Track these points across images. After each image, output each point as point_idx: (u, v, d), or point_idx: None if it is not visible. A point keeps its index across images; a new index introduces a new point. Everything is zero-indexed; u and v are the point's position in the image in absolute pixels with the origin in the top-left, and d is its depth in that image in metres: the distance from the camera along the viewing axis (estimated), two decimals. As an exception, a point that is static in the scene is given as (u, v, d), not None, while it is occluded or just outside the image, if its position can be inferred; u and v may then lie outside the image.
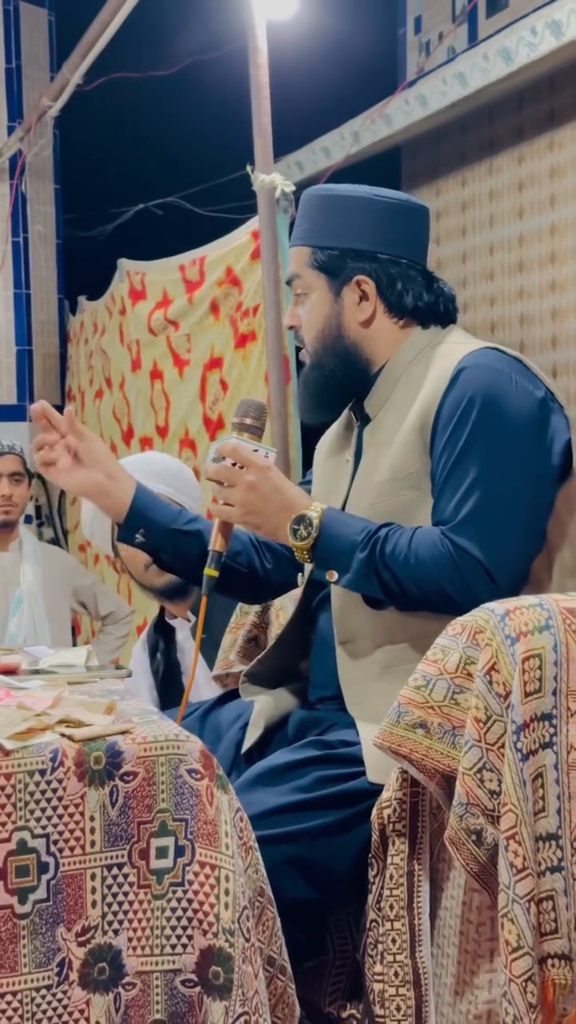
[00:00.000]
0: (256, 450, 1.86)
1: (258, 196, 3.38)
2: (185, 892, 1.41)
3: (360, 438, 1.96)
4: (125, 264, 4.92)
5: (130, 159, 6.39)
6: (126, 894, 1.41)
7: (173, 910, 1.42)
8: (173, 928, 1.41)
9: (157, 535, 2.01)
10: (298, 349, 2.03)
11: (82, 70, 4.60)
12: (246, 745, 1.99)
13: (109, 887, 1.41)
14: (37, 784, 1.37)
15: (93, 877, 1.40)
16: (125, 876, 1.41)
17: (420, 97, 4.69)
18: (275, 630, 2.34)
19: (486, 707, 1.48)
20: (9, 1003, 1.36)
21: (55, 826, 1.38)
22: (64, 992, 1.38)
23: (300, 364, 2.02)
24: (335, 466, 2.02)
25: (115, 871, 1.41)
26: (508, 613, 1.50)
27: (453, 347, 1.88)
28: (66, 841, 1.38)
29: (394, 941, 1.62)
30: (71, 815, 1.38)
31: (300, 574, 2.07)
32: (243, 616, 2.45)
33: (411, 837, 1.62)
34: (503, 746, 1.47)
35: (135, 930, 1.42)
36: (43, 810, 1.37)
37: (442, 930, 1.64)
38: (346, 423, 2.04)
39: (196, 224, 5.73)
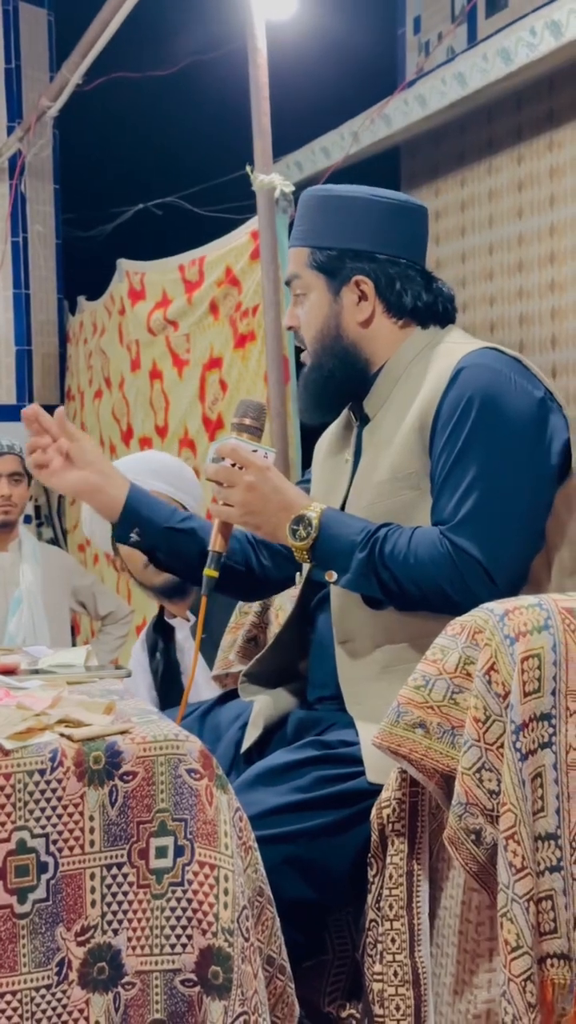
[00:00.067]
0: (255, 450, 1.86)
1: (257, 196, 3.38)
2: (184, 892, 1.41)
3: (359, 438, 1.96)
4: (124, 264, 4.93)
5: (129, 159, 6.39)
6: (125, 894, 1.41)
7: (172, 910, 1.42)
8: (172, 928, 1.41)
9: (152, 534, 2.01)
10: (298, 350, 2.03)
11: (81, 70, 4.60)
12: (245, 745, 1.99)
13: (108, 887, 1.41)
14: (36, 784, 1.37)
15: (92, 877, 1.40)
16: (124, 876, 1.41)
17: (419, 97, 4.69)
18: (274, 630, 2.34)
19: (485, 707, 1.48)
20: (8, 1003, 1.36)
21: (54, 826, 1.38)
22: (63, 992, 1.38)
23: (300, 364, 2.02)
24: (334, 466, 2.02)
25: (114, 871, 1.41)
26: (507, 613, 1.50)
27: (452, 347, 1.88)
28: (65, 841, 1.38)
29: (393, 941, 1.62)
30: (70, 815, 1.39)
31: (298, 573, 2.07)
32: (242, 616, 2.45)
33: (410, 837, 1.62)
34: (502, 746, 1.47)
35: (134, 930, 1.42)
36: (42, 810, 1.37)
37: (441, 930, 1.64)
38: (345, 423, 2.04)
39: (195, 224, 5.73)
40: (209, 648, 2.57)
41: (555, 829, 1.47)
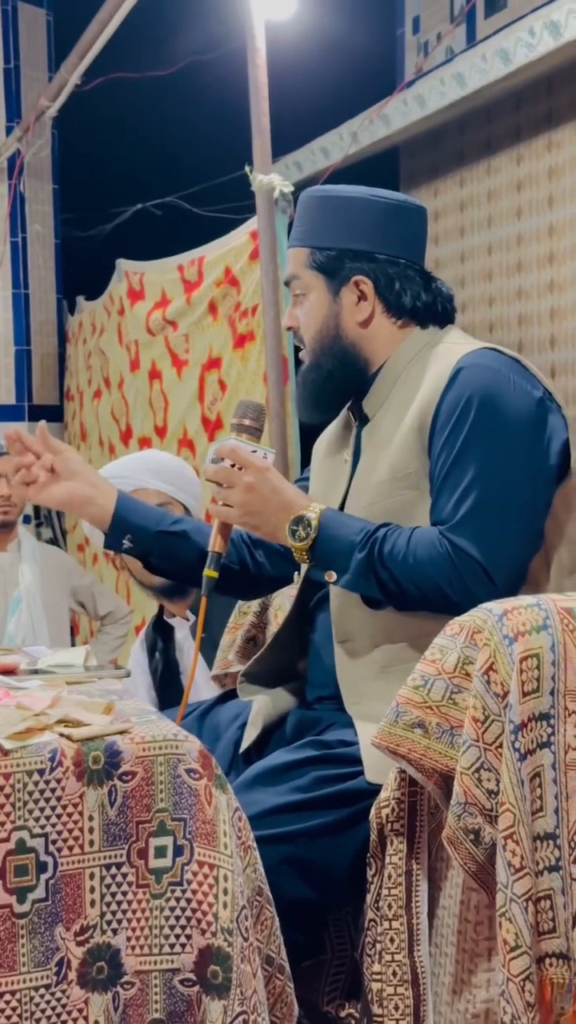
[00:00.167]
0: (255, 451, 1.86)
1: (257, 196, 3.38)
2: (184, 891, 1.41)
3: (358, 438, 1.96)
4: (123, 264, 4.93)
5: (129, 159, 6.39)
6: (125, 893, 1.42)
7: (172, 909, 1.42)
8: (172, 927, 1.42)
9: (144, 539, 2.01)
10: (298, 349, 2.03)
11: (80, 70, 4.60)
12: (244, 745, 1.99)
13: (108, 886, 1.41)
14: (36, 784, 1.37)
15: (92, 876, 1.40)
16: (124, 875, 1.41)
17: (418, 97, 4.69)
18: (273, 629, 2.34)
19: (484, 707, 1.48)
20: (8, 1002, 1.36)
21: (54, 826, 1.38)
22: (63, 991, 1.38)
23: (300, 364, 2.02)
24: (333, 466, 2.02)
25: (114, 870, 1.41)
26: (506, 613, 1.50)
27: (451, 347, 1.88)
28: (65, 841, 1.39)
29: (392, 940, 1.62)
30: (70, 815, 1.39)
31: (296, 572, 2.07)
32: (241, 616, 2.45)
33: (409, 837, 1.62)
34: (501, 746, 1.47)
35: (134, 929, 1.42)
36: (42, 810, 1.37)
37: (440, 929, 1.64)
38: (344, 423, 2.04)
39: (195, 224, 5.73)
40: (208, 648, 2.57)
41: (554, 829, 1.47)
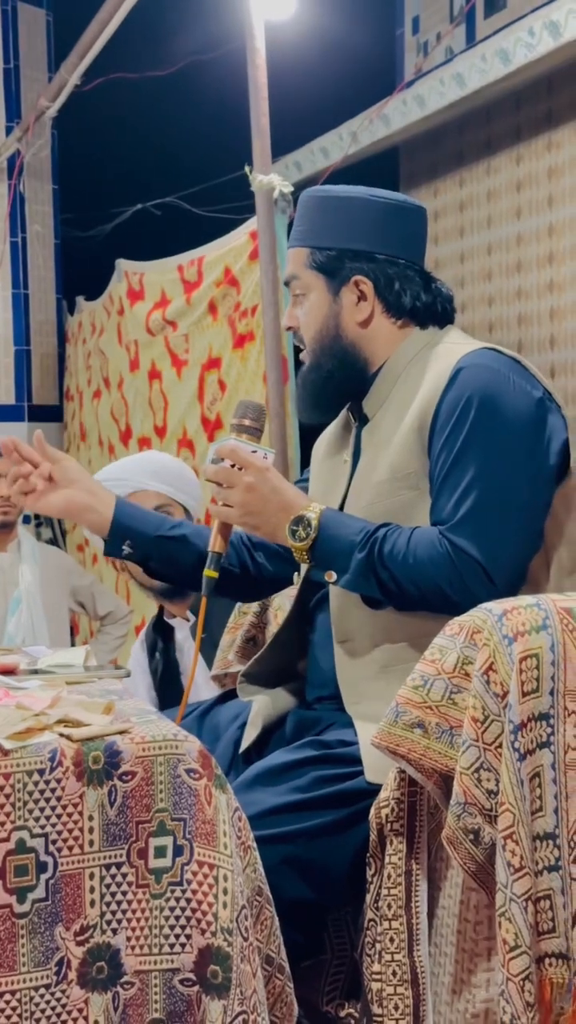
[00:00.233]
0: (255, 451, 1.86)
1: (256, 196, 3.38)
2: (184, 891, 1.42)
3: (358, 438, 1.96)
4: (123, 264, 4.93)
5: (128, 159, 6.39)
6: (124, 893, 1.42)
7: (172, 909, 1.42)
8: (172, 927, 1.42)
9: (144, 544, 2.02)
10: (297, 349, 2.03)
11: (80, 70, 4.60)
12: (244, 745, 1.99)
13: (108, 886, 1.41)
14: (36, 784, 1.37)
15: (92, 876, 1.40)
16: (124, 875, 1.41)
17: (418, 98, 4.69)
18: (273, 629, 2.34)
19: (483, 707, 1.48)
20: (8, 1002, 1.36)
21: (54, 826, 1.38)
22: (63, 991, 1.38)
23: (300, 364, 2.02)
24: (333, 466, 2.02)
25: (113, 870, 1.41)
26: (505, 613, 1.50)
27: (451, 347, 1.88)
28: (64, 841, 1.39)
29: (392, 940, 1.62)
30: (69, 815, 1.39)
31: (296, 573, 2.07)
32: (241, 616, 2.45)
33: (409, 836, 1.63)
34: (500, 746, 1.47)
35: (134, 929, 1.42)
36: (42, 810, 1.38)
37: (440, 929, 1.64)
38: (344, 423, 2.04)
39: (194, 224, 5.74)
40: (208, 648, 2.57)
41: (553, 829, 1.47)
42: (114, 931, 1.41)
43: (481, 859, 1.49)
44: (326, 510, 1.81)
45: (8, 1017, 1.36)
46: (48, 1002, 1.38)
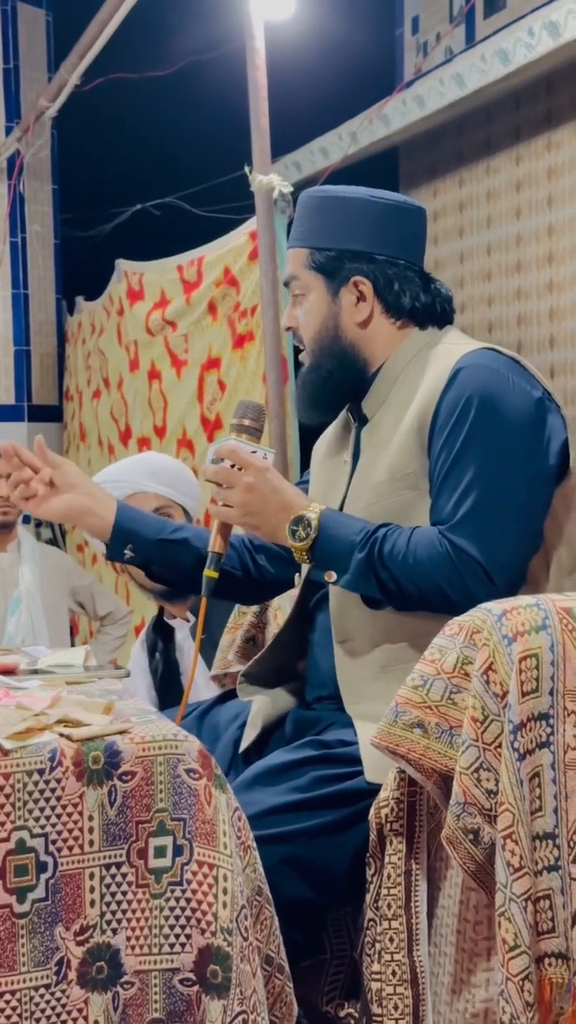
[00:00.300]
0: (254, 451, 1.86)
1: (256, 197, 3.39)
2: (183, 891, 1.42)
3: (358, 439, 1.97)
4: (123, 264, 4.93)
5: (128, 159, 6.39)
6: (124, 893, 1.42)
7: (171, 909, 1.42)
8: (171, 927, 1.42)
9: (145, 548, 2.02)
10: (297, 350, 2.03)
11: (80, 70, 4.60)
12: (244, 745, 1.99)
13: (107, 886, 1.41)
14: (36, 784, 1.37)
15: (92, 876, 1.40)
16: (123, 875, 1.42)
17: (417, 98, 4.69)
18: (273, 630, 2.34)
19: (483, 707, 1.48)
20: (8, 1002, 1.36)
21: (53, 825, 1.38)
22: (63, 991, 1.38)
23: (299, 365, 2.02)
24: (333, 467, 2.03)
25: (113, 870, 1.41)
26: (505, 613, 1.50)
27: (450, 348, 1.89)
28: (64, 840, 1.39)
29: (391, 940, 1.62)
30: (69, 814, 1.39)
31: (298, 574, 2.07)
32: (241, 616, 2.45)
33: (409, 836, 1.63)
34: (500, 746, 1.47)
35: (133, 929, 1.42)
36: (41, 809, 1.38)
37: (439, 929, 1.64)
38: (344, 424, 2.04)
39: (194, 224, 5.74)
40: (208, 648, 2.57)
41: (553, 828, 1.47)
42: (114, 931, 1.41)
43: (481, 859, 1.49)
44: (326, 510, 1.82)
45: (8, 1017, 1.36)
46: (48, 1002, 1.38)
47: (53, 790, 1.38)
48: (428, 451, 1.81)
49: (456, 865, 1.52)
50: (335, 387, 1.96)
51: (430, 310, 1.94)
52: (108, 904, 1.41)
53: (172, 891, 1.42)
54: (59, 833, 1.38)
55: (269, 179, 3.33)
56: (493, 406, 1.77)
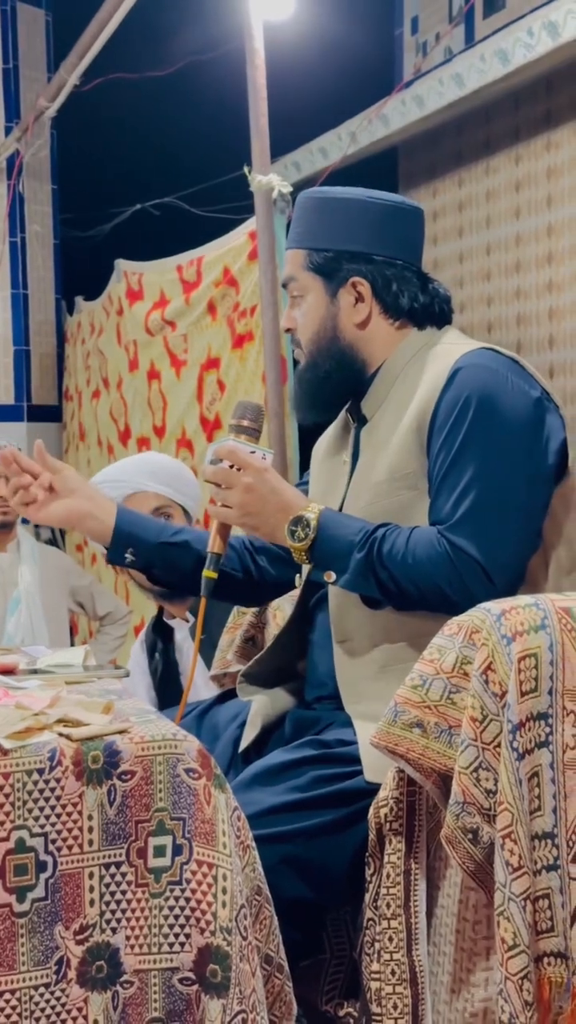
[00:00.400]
0: (253, 452, 1.86)
1: (255, 197, 3.39)
2: (183, 891, 1.42)
3: (357, 439, 1.97)
4: (122, 264, 4.93)
5: (127, 159, 6.39)
6: (124, 893, 1.42)
7: (171, 908, 1.42)
8: (171, 926, 1.42)
9: (146, 551, 2.02)
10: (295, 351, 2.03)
11: (79, 70, 4.61)
12: (243, 744, 2.00)
13: (107, 886, 1.41)
14: (35, 783, 1.38)
15: (91, 876, 1.41)
16: (123, 875, 1.42)
17: (417, 98, 4.69)
18: (272, 630, 2.34)
19: (482, 706, 1.48)
20: (8, 1001, 1.36)
21: (53, 825, 1.38)
22: (62, 990, 1.39)
23: (297, 364, 2.02)
24: (332, 467, 2.03)
25: (113, 870, 1.41)
26: (504, 613, 1.50)
27: (449, 348, 1.89)
28: (64, 840, 1.39)
29: (391, 939, 1.62)
30: (69, 814, 1.39)
31: (298, 575, 2.07)
32: (240, 616, 2.45)
33: (408, 836, 1.63)
34: (499, 745, 1.48)
35: (133, 928, 1.42)
36: (41, 809, 1.38)
37: (439, 928, 1.64)
38: (343, 424, 2.04)
39: (193, 224, 5.74)
40: (208, 648, 2.57)
41: (552, 828, 1.48)
42: (113, 930, 1.42)
43: (480, 858, 1.50)
44: (325, 510, 1.82)
45: (8, 1016, 1.36)
46: (48, 1001, 1.38)
47: (52, 789, 1.38)
48: (427, 451, 1.81)
49: (455, 864, 1.53)
50: (333, 387, 1.96)
51: (428, 310, 1.94)
52: (107, 903, 1.41)
53: (171, 890, 1.42)
54: (59, 832, 1.39)
55: (268, 179, 3.33)
56: (492, 406, 1.77)
